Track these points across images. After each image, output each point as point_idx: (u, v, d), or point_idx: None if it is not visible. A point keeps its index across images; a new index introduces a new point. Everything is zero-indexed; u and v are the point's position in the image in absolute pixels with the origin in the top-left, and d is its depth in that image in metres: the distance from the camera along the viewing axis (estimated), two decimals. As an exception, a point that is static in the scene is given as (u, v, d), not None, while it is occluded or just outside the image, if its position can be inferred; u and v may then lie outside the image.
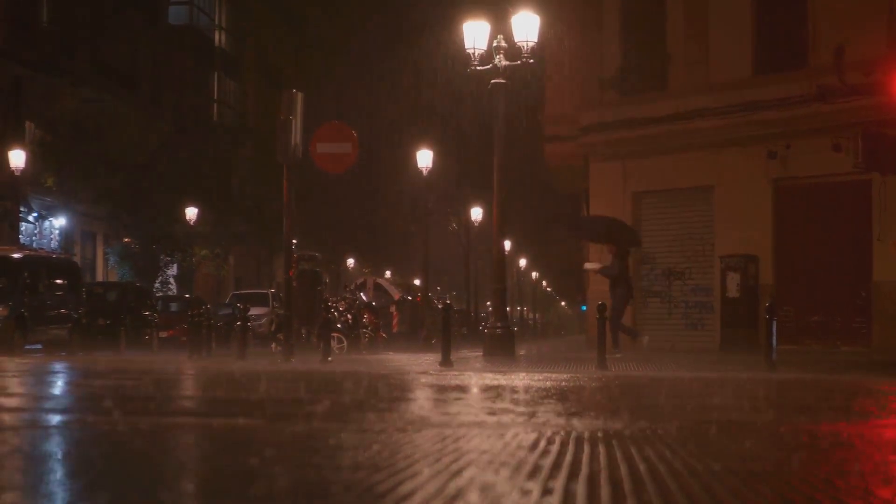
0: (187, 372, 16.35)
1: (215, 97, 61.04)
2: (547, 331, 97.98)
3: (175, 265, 50.19)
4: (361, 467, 5.22)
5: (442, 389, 11.94)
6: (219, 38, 61.99)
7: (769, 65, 29.39)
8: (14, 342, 26.51)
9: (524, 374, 15.92)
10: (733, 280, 28.97)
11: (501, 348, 22.87)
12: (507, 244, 51.84)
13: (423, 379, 14.14)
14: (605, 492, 4.58)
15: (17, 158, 37.45)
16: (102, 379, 14.26)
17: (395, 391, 11.76)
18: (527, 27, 22.78)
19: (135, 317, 33.94)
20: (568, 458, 5.56)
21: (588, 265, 30.09)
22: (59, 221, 44.34)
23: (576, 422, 7.76)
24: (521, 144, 47.38)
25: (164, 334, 35.53)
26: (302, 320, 27.48)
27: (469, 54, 23.19)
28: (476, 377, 14.76)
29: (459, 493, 4.46)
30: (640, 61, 32.08)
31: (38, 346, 28.61)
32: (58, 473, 5.21)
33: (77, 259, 40.56)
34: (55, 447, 6.26)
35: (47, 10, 44.49)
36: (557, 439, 6.39)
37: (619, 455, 5.71)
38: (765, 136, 28.73)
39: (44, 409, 9.27)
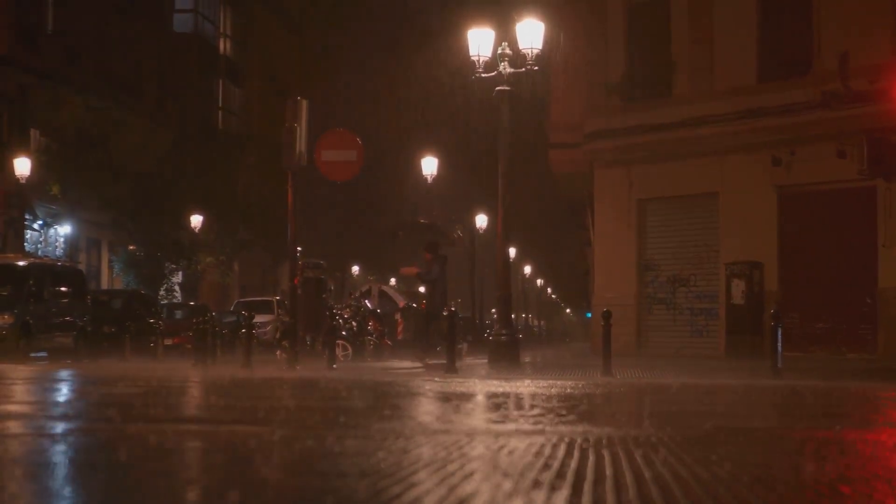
0: (192, 379, 16.35)
1: (220, 104, 61.12)
2: (552, 338, 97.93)
3: (180, 272, 50.23)
4: (366, 474, 5.22)
5: (447, 397, 11.93)
6: (223, 45, 62.07)
7: (774, 71, 29.39)
8: (19, 350, 26.50)
9: (529, 381, 15.91)
10: (738, 287, 28.95)
11: (506, 355, 22.82)
12: (512, 251, 51.81)
13: (428, 386, 14.13)
14: (609, 499, 4.58)
15: (23, 166, 37.49)
16: (107, 386, 14.26)
17: (400, 398, 11.76)
18: (531, 34, 22.76)
19: (140, 324, 33.92)
20: (573, 464, 5.56)
21: (404, 270, 29.84)
22: (64, 229, 44.39)
23: (581, 428, 7.75)
24: (527, 151, 47.38)
25: (169, 342, 35.49)
26: (307, 327, 27.48)
27: (474, 61, 23.19)
28: (481, 384, 14.75)
29: (464, 501, 4.46)
30: (645, 68, 32.10)
31: (44, 354, 28.61)
32: (63, 482, 5.21)
33: (82, 266, 40.58)
34: (61, 455, 6.26)
35: (52, 18, 44.58)
36: (562, 446, 6.38)
37: (624, 462, 5.71)
38: (769, 143, 28.72)
39: (49, 416, 9.27)
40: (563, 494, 4.66)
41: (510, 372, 19.70)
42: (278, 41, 67.44)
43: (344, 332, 28.26)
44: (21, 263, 29.06)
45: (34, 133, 43.21)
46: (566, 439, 6.80)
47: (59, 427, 8.09)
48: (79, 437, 7.35)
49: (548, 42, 24.42)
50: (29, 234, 41.89)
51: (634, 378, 17.77)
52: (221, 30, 61.89)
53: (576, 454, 6.01)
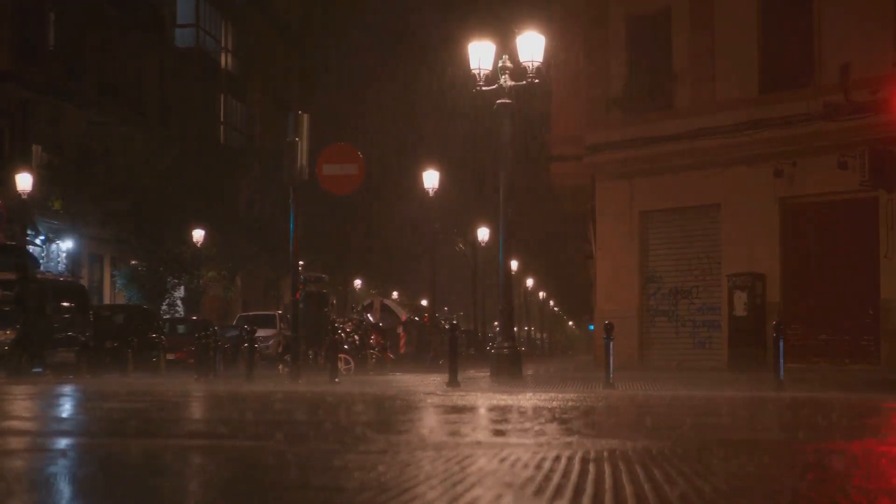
0: (194, 394, 16.35)
1: (222, 119, 61.16)
2: (554, 350, 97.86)
3: (182, 287, 50.20)
4: (367, 488, 5.21)
5: (449, 410, 11.93)
6: (225, 60, 62.13)
7: (775, 83, 29.40)
8: (22, 366, 26.47)
9: (531, 393, 15.90)
10: (740, 298, 28.93)
11: (508, 368, 22.83)
12: (514, 264, 51.82)
13: (430, 399, 14.13)
14: (610, 512, 4.58)
15: (24, 181, 37.47)
16: (110, 402, 14.26)
17: (401, 412, 11.75)
18: (532, 47, 22.79)
19: (142, 339, 33.89)
20: (573, 478, 5.55)
21: None
22: (66, 244, 44.38)
23: (581, 441, 7.75)
24: (528, 164, 47.42)
25: (171, 356, 35.46)
26: (309, 342, 27.48)
27: (475, 74, 23.21)
28: (483, 397, 14.74)
29: (464, 514, 4.45)
30: (646, 80, 32.10)
31: (46, 370, 28.58)
32: (66, 496, 5.21)
33: (84, 282, 40.57)
34: (63, 470, 6.26)
35: (54, 33, 44.63)
36: (563, 459, 6.38)
37: (624, 475, 5.70)
38: (771, 155, 28.72)
39: (52, 432, 9.27)
40: (563, 508, 4.65)
41: (512, 385, 19.69)
42: (280, 56, 67.52)
43: (346, 346, 28.27)
44: (23, 279, 28.99)
45: (36, 148, 43.22)
46: (567, 452, 6.80)
47: (62, 443, 8.09)
48: (81, 453, 7.35)
49: (548, 55, 24.44)
50: (31, 249, 41.87)
51: (636, 390, 17.75)
52: (223, 44, 61.94)
53: (576, 467, 6.00)
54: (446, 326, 28.73)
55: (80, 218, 43.52)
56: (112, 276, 48.50)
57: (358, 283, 75.35)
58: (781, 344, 18.37)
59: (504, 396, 14.91)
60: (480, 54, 23.23)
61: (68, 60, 44.94)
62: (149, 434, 8.90)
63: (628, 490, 5.16)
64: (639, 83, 32.22)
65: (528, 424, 9.52)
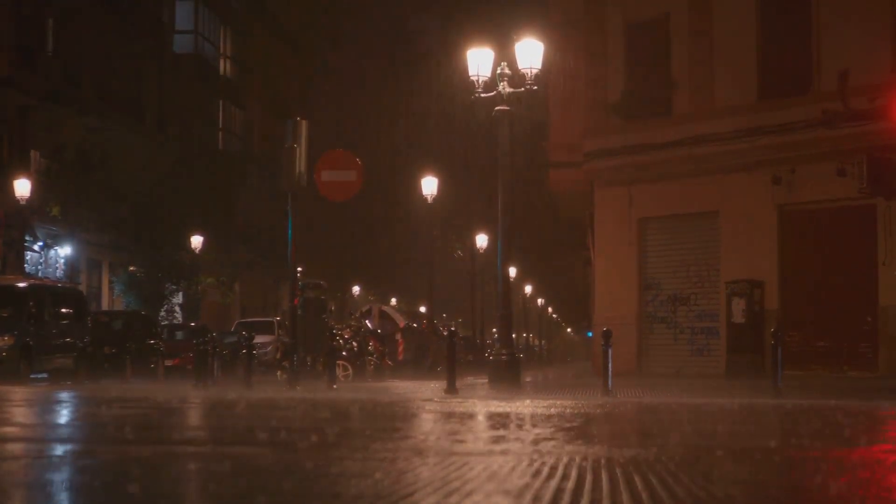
0: (192, 400, 16.33)
1: (220, 125, 61.15)
2: (553, 357, 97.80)
3: (180, 293, 50.19)
4: (364, 496, 5.21)
5: (446, 417, 11.92)
6: (224, 66, 62.14)
7: (774, 90, 29.40)
8: (20, 371, 26.45)
9: (529, 401, 15.88)
10: (739, 305, 28.92)
11: (507, 375, 22.77)
12: (513, 270, 51.80)
13: (428, 406, 14.11)
14: (607, 519, 4.57)
15: (23, 187, 37.49)
16: (108, 408, 14.24)
17: (399, 419, 11.74)
18: (531, 54, 22.77)
19: (140, 345, 33.88)
20: (570, 485, 5.55)
21: None
22: (64, 250, 44.35)
23: (579, 448, 7.74)
24: (527, 170, 47.45)
25: (169, 363, 35.43)
26: (307, 348, 27.46)
27: (473, 81, 23.19)
28: (481, 404, 14.73)
29: (461, 522, 4.44)
30: (645, 87, 32.09)
31: (44, 375, 28.57)
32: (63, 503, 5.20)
33: (82, 288, 40.54)
34: (61, 477, 6.25)
35: (53, 39, 44.63)
36: (561, 466, 6.37)
37: (622, 482, 5.70)
38: (770, 162, 28.72)
39: (50, 438, 9.25)
40: (560, 515, 4.64)
41: (511, 392, 19.67)
42: (278, 62, 67.56)
43: (344, 353, 28.26)
44: (21, 285, 29.01)
45: (34, 154, 43.22)
46: (564, 459, 6.79)
47: (59, 449, 8.08)
48: (78, 460, 7.34)
49: (547, 62, 24.42)
50: (29, 255, 41.85)
51: (634, 397, 17.75)
52: (222, 51, 61.95)
53: (574, 474, 5.99)
54: (444, 333, 28.71)
55: (79, 224, 43.52)
56: (110, 281, 48.50)
57: (356, 289, 75.34)
58: (780, 351, 18.37)
59: (502, 403, 14.90)
60: (479, 61, 23.20)
61: (67, 67, 44.95)
62: (145, 441, 8.89)
63: (625, 497, 5.16)
64: (637, 90, 32.22)
65: (525, 431, 9.51)
